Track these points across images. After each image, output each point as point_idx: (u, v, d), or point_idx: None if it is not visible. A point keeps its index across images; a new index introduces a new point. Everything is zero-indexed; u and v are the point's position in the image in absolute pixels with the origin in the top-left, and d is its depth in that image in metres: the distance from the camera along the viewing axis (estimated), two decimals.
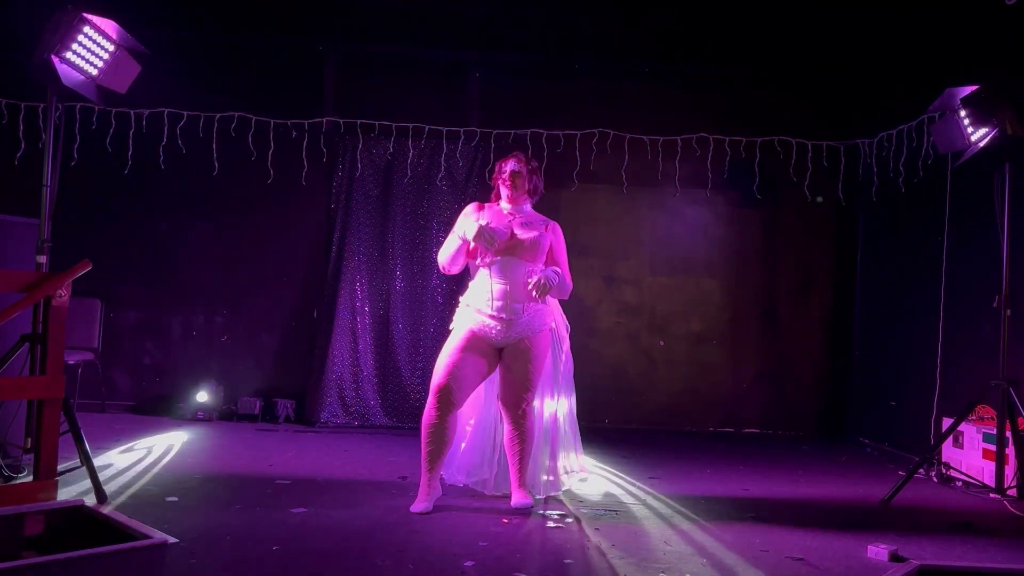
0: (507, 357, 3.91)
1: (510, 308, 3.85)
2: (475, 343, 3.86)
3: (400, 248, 6.30)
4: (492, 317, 3.85)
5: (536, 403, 4.07)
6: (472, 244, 3.86)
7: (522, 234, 3.91)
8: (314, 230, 6.47)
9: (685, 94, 6.64)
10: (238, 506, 3.77)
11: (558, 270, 3.94)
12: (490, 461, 4.16)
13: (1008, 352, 4.36)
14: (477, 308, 3.90)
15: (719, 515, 4.00)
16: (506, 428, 3.97)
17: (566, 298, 4.08)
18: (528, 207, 4.06)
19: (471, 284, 4.02)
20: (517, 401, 3.89)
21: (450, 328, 4.04)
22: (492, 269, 3.89)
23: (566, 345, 4.31)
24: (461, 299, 4.04)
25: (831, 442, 6.33)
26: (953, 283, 5.28)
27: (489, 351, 3.90)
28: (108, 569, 2.83)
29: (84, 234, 6.04)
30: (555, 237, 4.03)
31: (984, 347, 4.73)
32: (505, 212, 4.00)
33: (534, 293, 3.83)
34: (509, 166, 4.01)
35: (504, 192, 4.01)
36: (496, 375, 3.99)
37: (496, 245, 3.83)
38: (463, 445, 4.20)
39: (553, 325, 4.08)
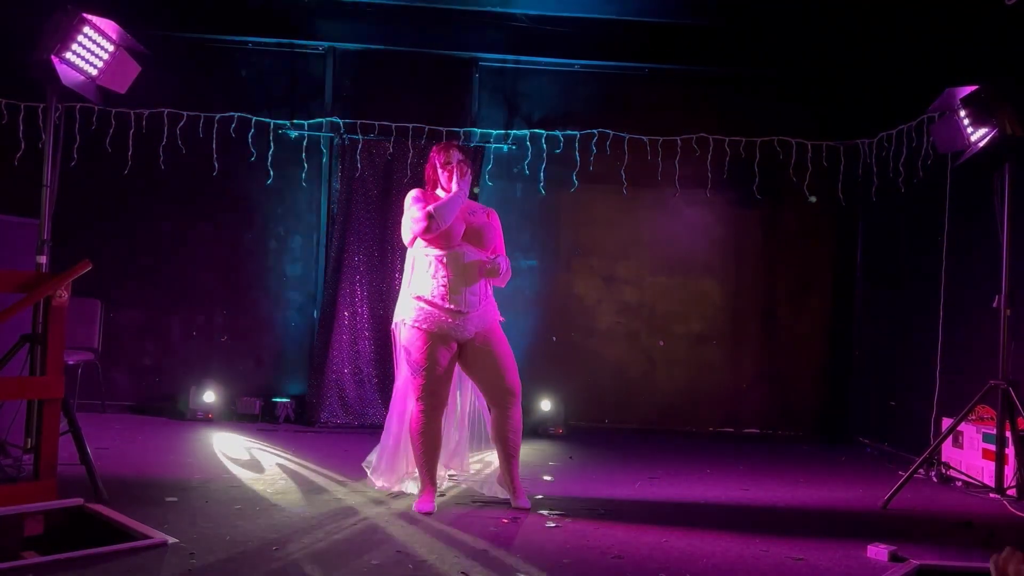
0: (473, 356, 3.88)
1: (466, 300, 3.81)
2: (435, 340, 3.80)
3: (400, 248, 6.26)
4: (448, 311, 3.79)
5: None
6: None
7: (475, 221, 3.89)
8: (314, 230, 6.47)
9: (685, 94, 6.64)
10: (238, 506, 3.77)
11: (504, 258, 3.96)
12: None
13: (1008, 352, 4.36)
14: (429, 301, 3.81)
15: (719, 515, 4.00)
16: (500, 426, 3.92)
17: (503, 286, 4.03)
18: (466, 195, 3.99)
19: (418, 274, 3.89)
20: (508, 387, 3.89)
21: (395, 321, 3.97)
22: (446, 260, 3.83)
23: None
24: (404, 289, 3.94)
25: (831, 442, 6.33)
26: (953, 283, 5.28)
27: (448, 344, 3.84)
28: (108, 569, 2.83)
29: (84, 234, 6.04)
30: (496, 225, 4.02)
31: (984, 347, 4.73)
32: None
33: (484, 271, 3.81)
34: (456, 155, 3.94)
35: (451, 182, 3.91)
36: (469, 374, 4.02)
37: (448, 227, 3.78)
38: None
39: (502, 320, 4.02)
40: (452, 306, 3.79)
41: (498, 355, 3.89)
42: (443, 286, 3.80)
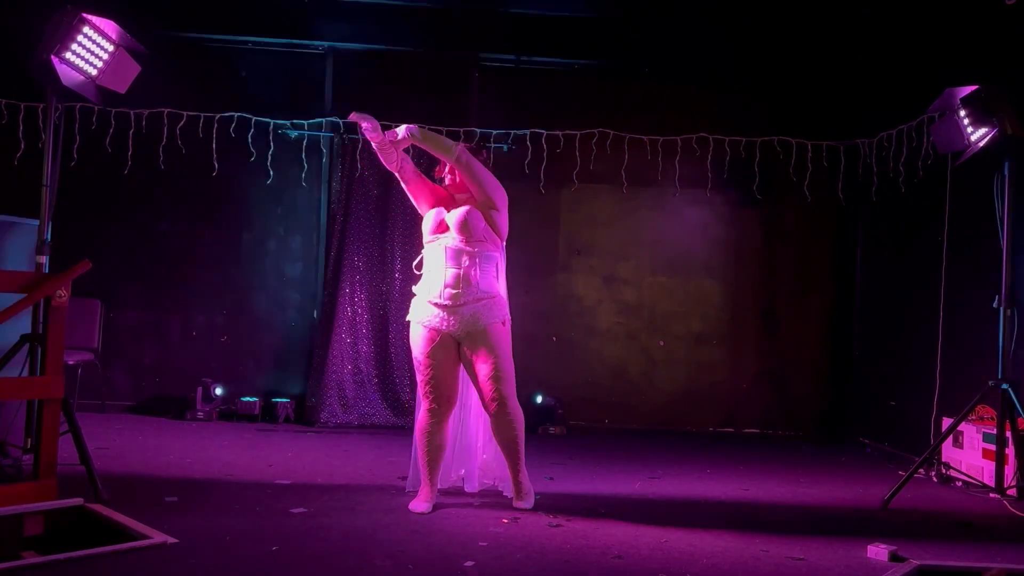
0: (467, 353, 3.79)
1: (443, 293, 3.74)
2: (436, 338, 3.77)
3: (400, 248, 6.29)
4: (442, 307, 3.74)
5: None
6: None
7: (455, 210, 3.80)
8: (314, 230, 6.47)
9: (685, 94, 6.64)
10: (238, 506, 3.77)
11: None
12: (460, 461, 4.15)
13: (1008, 352, 4.36)
14: (428, 299, 3.79)
15: (719, 515, 4.00)
16: (493, 431, 3.90)
17: (450, 158, 3.78)
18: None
19: (423, 273, 3.89)
20: (492, 395, 3.77)
21: (407, 320, 3.94)
22: (427, 251, 3.83)
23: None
24: (414, 288, 3.92)
25: (831, 442, 6.33)
26: (953, 283, 5.28)
27: (450, 342, 3.79)
28: (108, 569, 2.83)
29: (84, 234, 6.04)
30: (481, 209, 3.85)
31: (984, 347, 4.72)
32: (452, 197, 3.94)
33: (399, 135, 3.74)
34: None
35: (446, 181, 3.92)
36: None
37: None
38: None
39: (503, 322, 3.83)
40: (431, 299, 3.78)
41: (486, 361, 3.75)
42: (438, 278, 3.78)
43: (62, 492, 3.54)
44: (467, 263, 3.76)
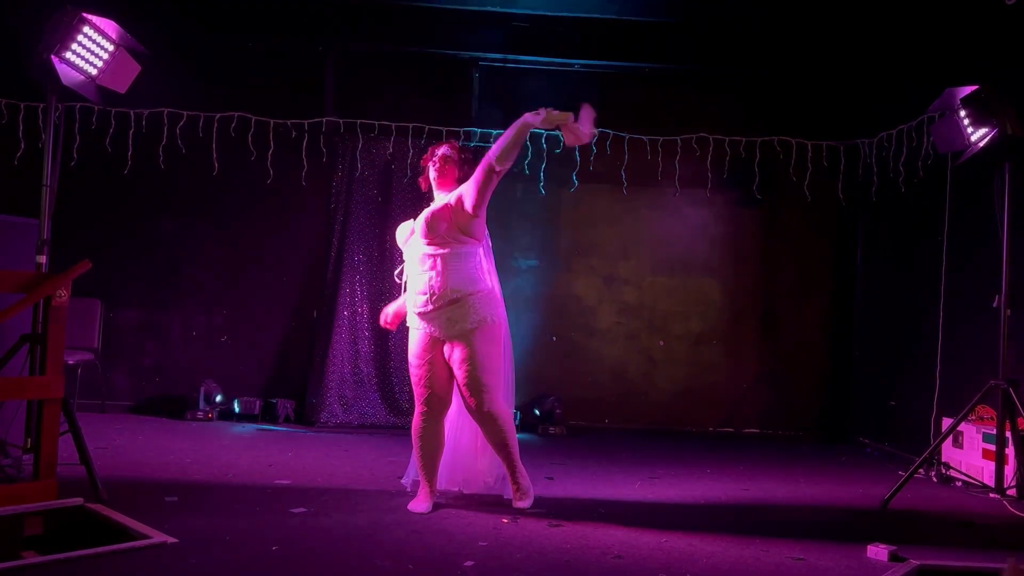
0: (448, 354, 3.78)
1: (417, 300, 3.74)
2: (426, 341, 3.78)
3: (400, 248, 6.28)
4: (423, 315, 3.74)
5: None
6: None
7: (430, 215, 3.76)
8: (314, 230, 6.47)
9: (685, 94, 6.64)
10: (238, 506, 3.77)
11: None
12: (463, 466, 4.13)
13: (1008, 352, 4.36)
14: (411, 306, 3.81)
15: (719, 515, 4.00)
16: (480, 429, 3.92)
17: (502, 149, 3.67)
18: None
19: (407, 281, 3.88)
20: (470, 399, 3.75)
21: (407, 324, 3.92)
22: (416, 262, 3.79)
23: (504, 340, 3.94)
24: (403, 296, 3.92)
25: (831, 442, 6.33)
26: (953, 283, 5.28)
27: (439, 344, 3.79)
28: (108, 569, 2.84)
29: (84, 234, 6.05)
30: (453, 200, 3.78)
31: (984, 347, 4.72)
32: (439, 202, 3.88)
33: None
34: (441, 150, 3.90)
35: (432, 172, 3.87)
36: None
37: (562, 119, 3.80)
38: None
39: (492, 319, 3.76)
40: (413, 307, 3.80)
41: (461, 366, 3.72)
42: (418, 285, 3.77)
43: (62, 492, 3.54)
44: (436, 266, 3.72)
